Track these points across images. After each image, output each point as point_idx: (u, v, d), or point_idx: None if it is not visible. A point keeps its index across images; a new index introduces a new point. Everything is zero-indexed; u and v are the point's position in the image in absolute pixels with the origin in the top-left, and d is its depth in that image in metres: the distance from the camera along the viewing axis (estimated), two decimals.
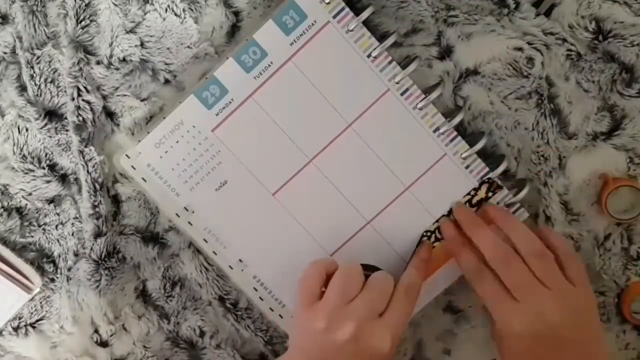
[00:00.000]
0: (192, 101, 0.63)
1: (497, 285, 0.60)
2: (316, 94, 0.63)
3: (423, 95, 0.63)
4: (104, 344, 0.68)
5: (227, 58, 0.63)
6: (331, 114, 0.64)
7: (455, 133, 0.64)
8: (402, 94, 0.63)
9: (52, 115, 0.66)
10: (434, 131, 0.64)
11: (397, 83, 0.63)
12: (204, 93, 0.63)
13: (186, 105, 0.64)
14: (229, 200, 0.65)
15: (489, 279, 0.61)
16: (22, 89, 0.66)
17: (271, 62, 0.63)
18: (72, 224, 0.68)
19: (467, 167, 0.64)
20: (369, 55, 0.63)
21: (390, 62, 0.63)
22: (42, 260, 0.68)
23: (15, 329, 0.69)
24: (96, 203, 0.66)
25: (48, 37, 0.65)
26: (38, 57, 0.65)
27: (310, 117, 0.64)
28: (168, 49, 0.65)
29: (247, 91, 0.63)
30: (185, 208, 0.65)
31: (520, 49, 0.64)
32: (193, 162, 0.65)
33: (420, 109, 0.64)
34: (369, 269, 0.63)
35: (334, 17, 0.62)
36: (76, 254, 0.68)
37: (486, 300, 0.61)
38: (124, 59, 0.65)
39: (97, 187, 0.66)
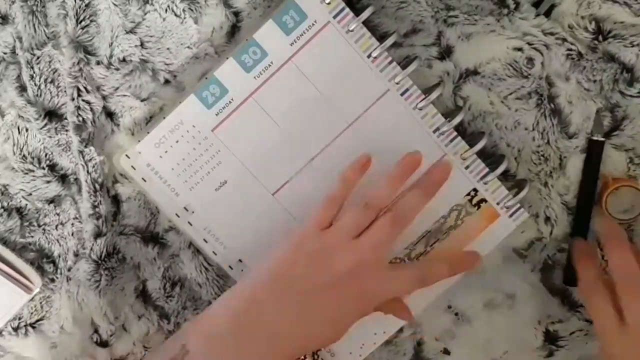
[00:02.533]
0: (192, 101, 0.63)
1: (609, 307, 0.60)
2: (316, 94, 0.63)
3: (423, 96, 0.63)
4: (104, 344, 0.68)
5: (227, 58, 0.63)
6: (331, 114, 0.64)
7: (455, 133, 0.64)
8: (402, 94, 0.63)
9: (52, 115, 0.66)
10: (434, 131, 0.64)
11: (397, 83, 0.63)
12: (204, 93, 0.63)
13: (186, 105, 0.64)
14: (228, 200, 0.65)
15: (603, 297, 0.61)
16: (22, 89, 0.66)
17: (271, 62, 0.63)
18: (72, 224, 0.68)
19: (467, 167, 0.64)
20: (369, 56, 0.63)
21: (390, 63, 0.63)
22: (42, 261, 0.68)
23: (15, 329, 0.69)
24: (96, 203, 0.66)
25: (48, 37, 0.65)
26: (38, 57, 0.65)
27: (311, 117, 0.64)
28: (168, 49, 0.65)
29: (247, 91, 0.63)
30: (185, 208, 0.65)
31: (520, 49, 0.64)
32: (193, 162, 0.65)
33: (420, 109, 0.64)
34: None
35: (334, 17, 0.62)
36: (76, 254, 0.68)
37: (595, 318, 0.62)
38: (124, 59, 0.65)
39: (97, 187, 0.66)
